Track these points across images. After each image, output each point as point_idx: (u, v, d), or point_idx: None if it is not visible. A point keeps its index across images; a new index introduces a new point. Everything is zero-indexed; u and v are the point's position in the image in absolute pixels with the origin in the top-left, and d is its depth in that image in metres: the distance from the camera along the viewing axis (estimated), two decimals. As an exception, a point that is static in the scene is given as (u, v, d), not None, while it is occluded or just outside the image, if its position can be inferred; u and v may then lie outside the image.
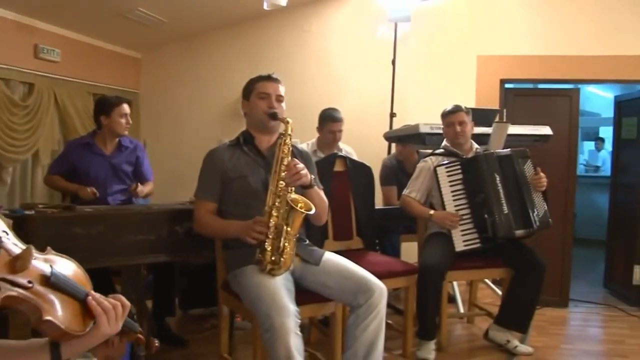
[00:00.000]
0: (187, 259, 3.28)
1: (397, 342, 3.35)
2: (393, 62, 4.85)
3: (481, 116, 3.84)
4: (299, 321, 2.26)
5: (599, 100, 9.75)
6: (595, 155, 9.64)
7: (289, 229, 2.37)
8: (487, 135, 3.75)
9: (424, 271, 3.20)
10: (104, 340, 1.35)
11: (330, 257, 2.63)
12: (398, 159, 4.55)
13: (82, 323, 1.30)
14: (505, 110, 4.85)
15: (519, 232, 3.34)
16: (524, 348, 3.38)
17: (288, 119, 2.57)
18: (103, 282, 3.44)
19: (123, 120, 3.55)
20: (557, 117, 4.56)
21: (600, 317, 4.44)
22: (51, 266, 1.30)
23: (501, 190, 3.34)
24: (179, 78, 5.45)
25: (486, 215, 3.30)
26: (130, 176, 3.67)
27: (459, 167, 3.40)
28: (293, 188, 2.46)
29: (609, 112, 5.85)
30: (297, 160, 2.52)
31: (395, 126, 4.73)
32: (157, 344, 1.55)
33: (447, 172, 3.39)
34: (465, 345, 3.67)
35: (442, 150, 3.57)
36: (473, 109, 3.62)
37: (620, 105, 5.31)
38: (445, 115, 3.53)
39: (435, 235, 3.44)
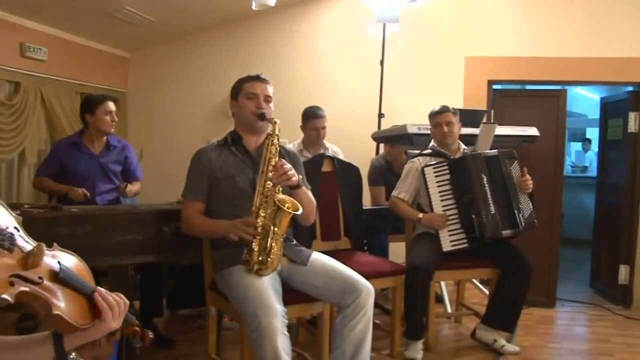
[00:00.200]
0: (175, 259, 3.26)
1: (385, 342, 3.36)
2: (381, 63, 4.86)
3: (469, 117, 3.86)
4: (286, 321, 2.27)
5: (586, 101, 9.83)
6: (582, 156, 9.72)
7: (276, 229, 2.38)
8: (475, 136, 3.77)
9: (411, 271, 3.21)
10: (91, 341, 1.38)
11: (318, 257, 2.64)
12: (386, 159, 4.56)
13: (88, 317, 1.35)
14: (492, 111, 4.89)
15: (506, 232, 3.36)
16: (510, 347, 3.40)
17: (276, 120, 2.57)
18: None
19: (108, 118, 3.53)
20: (544, 118, 4.60)
21: (586, 317, 4.49)
22: (59, 262, 1.35)
23: (488, 191, 3.36)
24: (167, 78, 5.42)
25: (473, 216, 3.32)
26: (119, 176, 3.66)
27: (446, 167, 3.42)
28: (280, 188, 2.46)
29: (595, 114, 5.89)
30: (284, 160, 2.53)
31: (384, 126, 4.74)
32: (151, 336, 1.61)
33: (435, 172, 3.41)
34: (453, 345, 3.69)
35: (429, 150, 3.58)
36: (461, 110, 3.64)
37: (606, 106, 5.36)
38: (433, 115, 3.54)
39: (422, 236, 3.45)
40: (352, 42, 5.17)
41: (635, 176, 4.81)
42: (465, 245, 3.35)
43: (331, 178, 3.53)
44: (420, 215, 3.43)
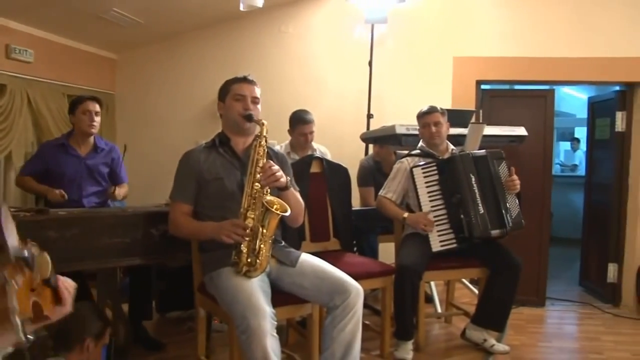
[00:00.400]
0: (163, 261, 3.25)
1: (375, 343, 3.35)
2: (370, 64, 4.86)
3: (457, 117, 3.87)
4: (275, 323, 2.26)
5: (574, 101, 9.88)
6: (571, 156, 9.78)
7: (264, 230, 2.38)
8: (463, 136, 3.77)
9: (401, 272, 3.21)
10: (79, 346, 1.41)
11: (307, 259, 2.63)
12: (375, 159, 4.55)
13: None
14: (481, 111, 4.90)
15: (495, 232, 3.36)
16: (500, 347, 3.40)
17: (263, 121, 2.56)
18: (78, 286, 3.39)
19: (86, 117, 3.49)
20: (533, 118, 4.63)
21: (576, 315, 4.52)
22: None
23: (477, 191, 3.36)
24: (155, 79, 5.40)
25: (462, 216, 3.32)
26: (106, 178, 3.64)
27: (435, 168, 3.42)
28: (268, 190, 2.46)
29: (583, 113, 5.94)
30: (272, 162, 2.52)
31: (373, 127, 4.74)
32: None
33: (424, 173, 3.40)
34: (443, 345, 3.69)
35: (418, 151, 3.58)
36: (449, 110, 3.64)
37: (594, 106, 5.41)
38: (421, 116, 3.54)
39: (412, 236, 3.45)
40: (341, 43, 5.16)
41: (622, 175, 4.84)
42: (455, 245, 3.35)
43: (320, 179, 3.53)
44: (406, 214, 3.43)
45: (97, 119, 3.56)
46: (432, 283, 4.19)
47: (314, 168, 3.53)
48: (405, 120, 3.84)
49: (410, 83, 5.03)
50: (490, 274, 3.38)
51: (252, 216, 2.40)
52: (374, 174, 4.48)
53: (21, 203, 4.15)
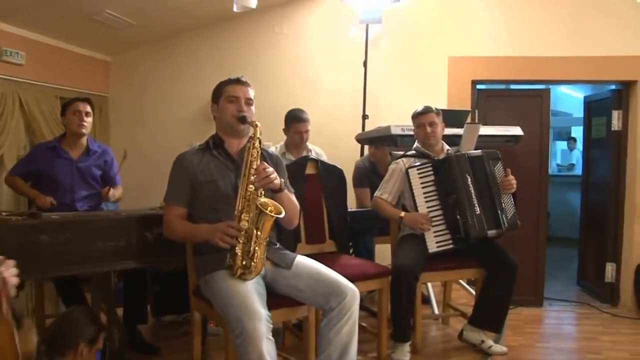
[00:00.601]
0: (157, 265, 3.23)
1: (372, 345, 3.33)
2: (364, 64, 4.85)
3: (453, 117, 3.85)
4: (271, 326, 2.24)
5: (570, 100, 9.88)
6: (568, 155, 9.79)
7: (259, 233, 2.36)
8: (459, 137, 3.75)
9: (397, 273, 3.19)
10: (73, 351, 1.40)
11: (302, 261, 2.62)
12: (371, 160, 4.54)
13: None
14: (476, 111, 4.89)
15: (491, 233, 3.35)
16: (498, 348, 3.39)
17: (257, 123, 2.55)
18: (72, 290, 3.37)
19: (75, 117, 3.47)
20: (529, 118, 4.61)
21: (574, 315, 4.50)
22: None
23: (473, 191, 3.35)
24: (149, 81, 5.36)
25: (458, 216, 3.31)
26: (99, 180, 3.61)
27: (430, 168, 3.40)
28: (263, 192, 2.44)
29: (580, 112, 5.92)
30: (266, 164, 2.51)
31: (368, 128, 4.72)
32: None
33: (419, 173, 3.39)
34: (440, 347, 3.68)
35: (413, 151, 3.56)
36: (444, 110, 3.63)
37: (590, 105, 5.39)
38: (416, 116, 3.53)
39: (408, 237, 3.44)
40: (336, 43, 5.14)
41: (619, 174, 4.83)
42: (451, 246, 3.33)
43: (315, 180, 3.51)
44: (403, 214, 3.41)
45: (88, 119, 3.54)
46: (429, 284, 4.17)
47: (309, 169, 3.52)
48: (400, 121, 3.82)
49: (405, 83, 5.01)
50: (487, 274, 3.37)
51: (247, 218, 2.38)
52: (370, 175, 4.46)
53: (14, 206, 4.12)
